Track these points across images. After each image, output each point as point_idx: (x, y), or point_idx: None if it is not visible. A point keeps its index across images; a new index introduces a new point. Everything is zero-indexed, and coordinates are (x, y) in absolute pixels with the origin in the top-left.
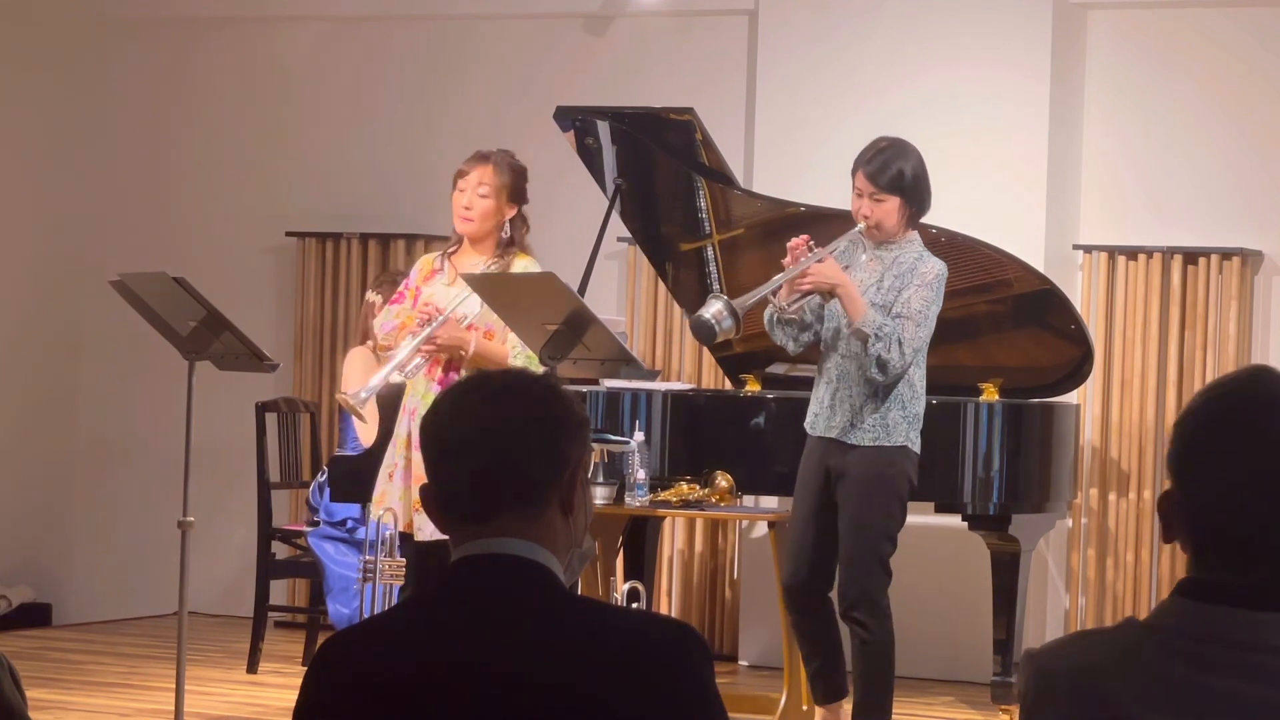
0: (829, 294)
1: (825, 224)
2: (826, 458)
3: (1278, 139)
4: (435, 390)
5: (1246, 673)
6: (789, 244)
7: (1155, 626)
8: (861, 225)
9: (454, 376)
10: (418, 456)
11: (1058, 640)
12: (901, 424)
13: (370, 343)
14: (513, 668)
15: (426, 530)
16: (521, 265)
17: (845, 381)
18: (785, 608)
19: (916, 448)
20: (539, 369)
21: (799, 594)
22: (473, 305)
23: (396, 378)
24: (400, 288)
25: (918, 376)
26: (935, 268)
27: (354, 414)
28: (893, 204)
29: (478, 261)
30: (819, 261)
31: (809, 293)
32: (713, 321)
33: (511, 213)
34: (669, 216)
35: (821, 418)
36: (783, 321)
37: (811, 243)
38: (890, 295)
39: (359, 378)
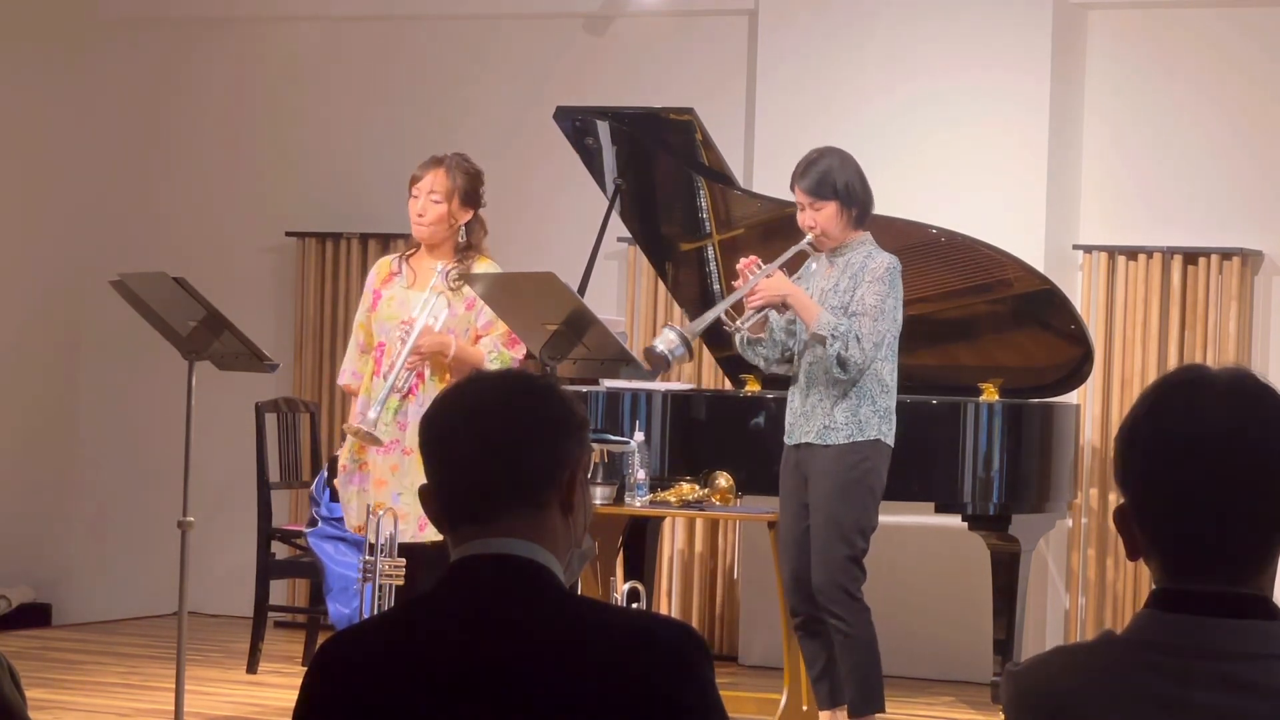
0: (783, 307)
1: None
2: (802, 463)
3: (1277, 139)
4: (395, 396)
5: (1224, 683)
6: (738, 266)
7: (1131, 640)
8: (810, 236)
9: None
10: (378, 459)
11: (1037, 658)
12: (873, 419)
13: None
14: (512, 668)
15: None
16: (482, 268)
17: (815, 387)
18: (789, 614)
19: (890, 441)
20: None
21: (800, 602)
22: (440, 304)
23: (395, 398)
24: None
25: (887, 371)
26: (885, 262)
27: (372, 443)
28: (830, 209)
29: (435, 265)
30: (767, 277)
31: (762, 308)
32: (666, 352)
33: (466, 217)
34: (669, 216)
35: (797, 426)
36: (753, 342)
37: (759, 261)
38: (846, 296)
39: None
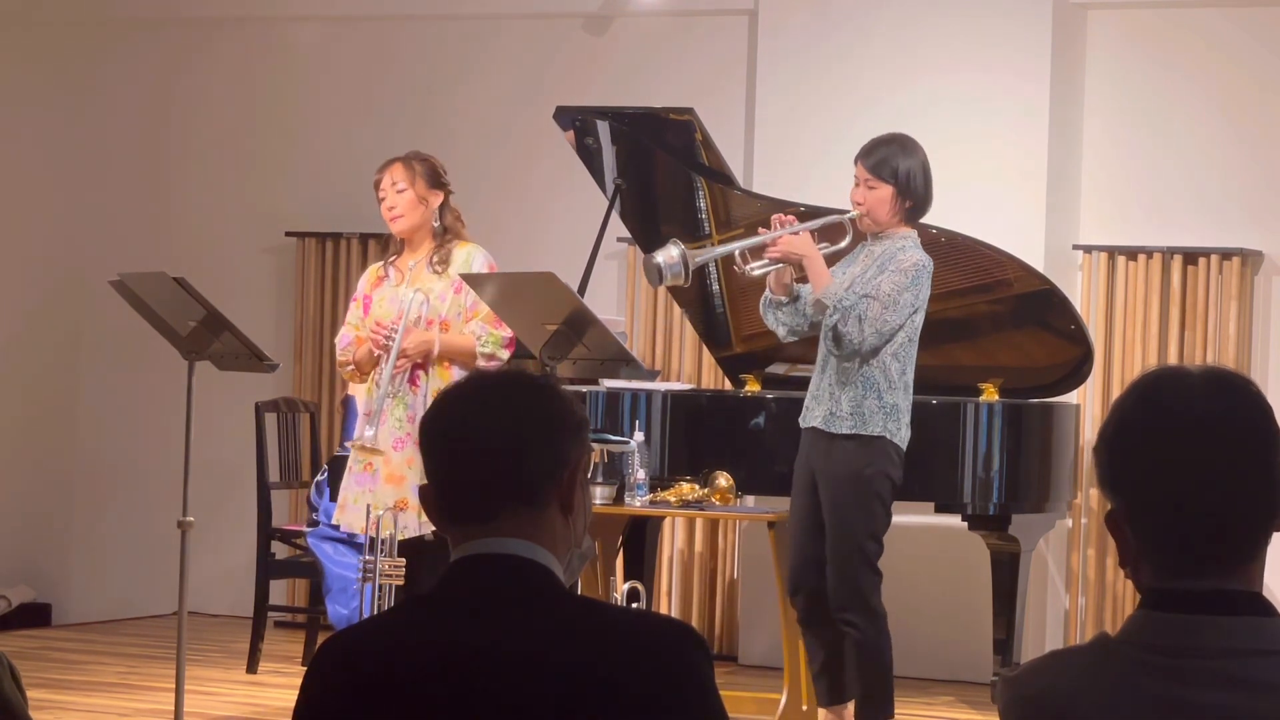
0: (798, 267)
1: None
2: (811, 455)
3: (1277, 139)
4: (392, 400)
5: (1220, 681)
6: (774, 215)
7: (1125, 642)
8: (855, 212)
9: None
10: (393, 455)
11: (1032, 663)
12: (878, 413)
13: None
14: (512, 668)
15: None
16: (464, 252)
17: (828, 370)
18: (790, 608)
19: (898, 439)
20: (505, 353)
21: (801, 596)
22: (416, 301)
23: (389, 401)
24: (353, 296)
25: (894, 367)
26: (914, 258)
27: (376, 455)
28: (884, 192)
29: (419, 259)
30: (794, 235)
31: (776, 260)
32: (662, 264)
33: (436, 200)
34: (669, 216)
35: (809, 408)
36: (773, 305)
37: (796, 220)
38: (869, 286)
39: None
